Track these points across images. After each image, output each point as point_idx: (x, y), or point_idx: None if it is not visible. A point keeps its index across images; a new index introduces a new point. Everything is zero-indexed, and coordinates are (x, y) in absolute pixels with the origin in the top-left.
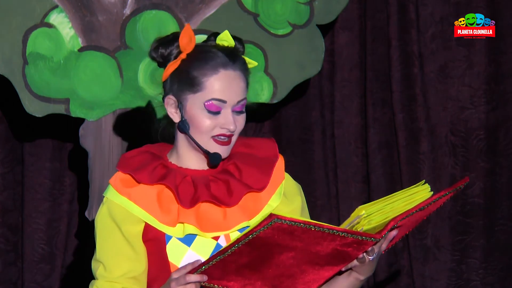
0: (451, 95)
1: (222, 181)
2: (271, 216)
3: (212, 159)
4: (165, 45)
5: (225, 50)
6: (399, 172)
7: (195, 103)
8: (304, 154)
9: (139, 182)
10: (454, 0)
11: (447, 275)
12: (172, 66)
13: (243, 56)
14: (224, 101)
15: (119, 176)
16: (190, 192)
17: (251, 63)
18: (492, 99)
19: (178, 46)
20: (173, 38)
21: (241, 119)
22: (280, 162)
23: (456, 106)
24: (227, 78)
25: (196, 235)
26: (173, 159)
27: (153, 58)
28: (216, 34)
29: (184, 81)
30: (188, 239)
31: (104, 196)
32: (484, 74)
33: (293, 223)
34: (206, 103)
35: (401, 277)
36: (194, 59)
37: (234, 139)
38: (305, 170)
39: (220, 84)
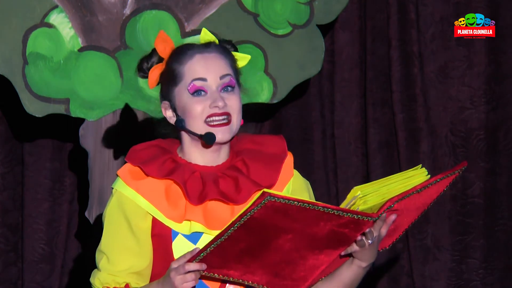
0: (451, 95)
1: (230, 177)
2: (264, 194)
3: (206, 139)
4: (146, 59)
5: (203, 42)
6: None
7: (181, 94)
8: (304, 154)
9: (147, 175)
10: (454, 0)
11: (447, 275)
12: (155, 71)
13: (232, 52)
14: (204, 79)
15: (127, 167)
16: (199, 188)
17: (244, 57)
18: (492, 99)
19: (157, 54)
20: (152, 50)
21: (233, 97)
22: (289, 159)
23: (456, 106)
24: (203, 59)
25: (203, 233)
26: (182, 155)
27: (142, 76)
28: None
29: (168, 79)
30: (194, 237)
31: (112, 188)
32: (484, 74)
33: (286, 201)
34: (188, 87)
35: (401, 277)
36: (173, 55)
37: (234, 120)
38: (305, 170)
39: (197, 65)
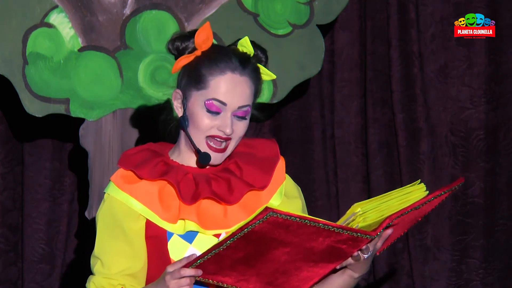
0: (451, 95)
1: (223, 179)
2: (266, 209)
3: (202, 158)
4: (181, 39)
5: (240, 55)
6: (399, 172)
7: (197, 100)
8: (304, 154)
9: (140, 178)
10: (454, 0)
11: (447, 275)
12: (184, 60)
13: (259, 65)
14: (224, 103)
15: (120, 172)
16: (191, 188)
17: (270, 75)
18: (492, 99)
19: (194, 42)
20: (191, 34)
21: (242, 125)
22: (281, 163)
23: (456, 106)
24: (232, 82)
25: (197, 232)
26: (174, 157)
27: (169, 50)
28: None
29: (192, 77)
30: (189, 236)
31: (105, 193)
32: (484, 74)
33: (288, 217)
34: (206, 102)
35: (401, 277)
36: (206, 57)
37: (231, 146)
38: (305, 170)
39: (224, 86)
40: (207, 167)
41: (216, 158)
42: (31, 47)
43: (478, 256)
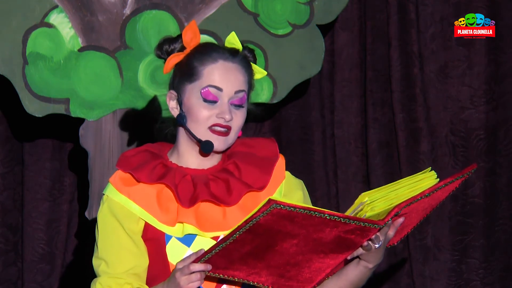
0: (451, 95)
1: (221, 180)
2: (269, 201)
3: (204, 146)
4: (169, 42)
5: (229, 48)
6: (399, 172)
7: (192, 92)
8: (304, 154)
9: (138, 181)
10: (454, 0)
11: (447, 275)
12: (174, 58)
13: (252, 63)
14: (220, 89)
15: (118, 174)
16: (190, 191)
17: (261, 72)
18: (492, 99)
19: (181, 42)
20: (178, 36)
21: (240, 113)
22: (281, 161)
23: (456, 106)
24: (225, 68)
25: (196, 235)
26: (173, 158)
27: (157, 56)
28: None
29: (184, 73)
30: (187, 239)
31: (103, 194)
32: (484, 74)
33: (292, 208)
34: (202, 91)
35: (401, 277)
36: (196, 51)
37: (232, 134)
38: (305, 170)
39: (218, 73)
40: (209, 166)
41: (219, 143)
42: (31, 47)
43: (478, 256)
